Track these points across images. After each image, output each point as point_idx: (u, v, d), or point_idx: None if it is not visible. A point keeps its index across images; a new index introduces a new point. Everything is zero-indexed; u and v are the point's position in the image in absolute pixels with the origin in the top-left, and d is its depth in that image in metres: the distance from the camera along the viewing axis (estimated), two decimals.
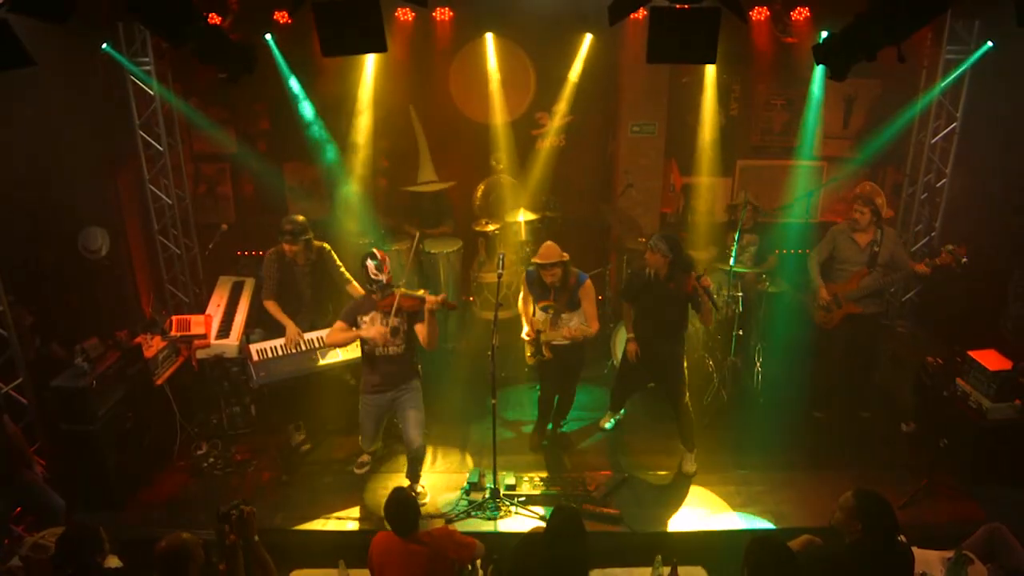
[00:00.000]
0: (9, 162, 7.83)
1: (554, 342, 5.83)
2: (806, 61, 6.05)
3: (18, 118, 7.43)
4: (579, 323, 5.74)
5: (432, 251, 7.64)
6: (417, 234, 6.45)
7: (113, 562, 4.37)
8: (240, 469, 6.27)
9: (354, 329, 5.50)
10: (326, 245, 6.45)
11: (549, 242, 5.72)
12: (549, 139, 8.64)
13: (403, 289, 5.41)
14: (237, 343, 6.10)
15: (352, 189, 8.12)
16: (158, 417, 6.29)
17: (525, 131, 8.66)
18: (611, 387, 6.85)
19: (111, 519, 5.72)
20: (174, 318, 6.44)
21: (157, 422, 6.29)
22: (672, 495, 5.92)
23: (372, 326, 5.47)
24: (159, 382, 6.23)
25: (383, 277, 5.42)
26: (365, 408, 5.70)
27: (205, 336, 6.16)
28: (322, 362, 6.04)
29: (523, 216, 7.45)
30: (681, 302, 5.88)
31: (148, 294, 8.64)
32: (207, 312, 6.60)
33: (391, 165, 8.68)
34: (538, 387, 6.53)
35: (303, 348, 6.07)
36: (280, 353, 5.99)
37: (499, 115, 8.35)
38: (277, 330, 6.23)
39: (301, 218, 6.23)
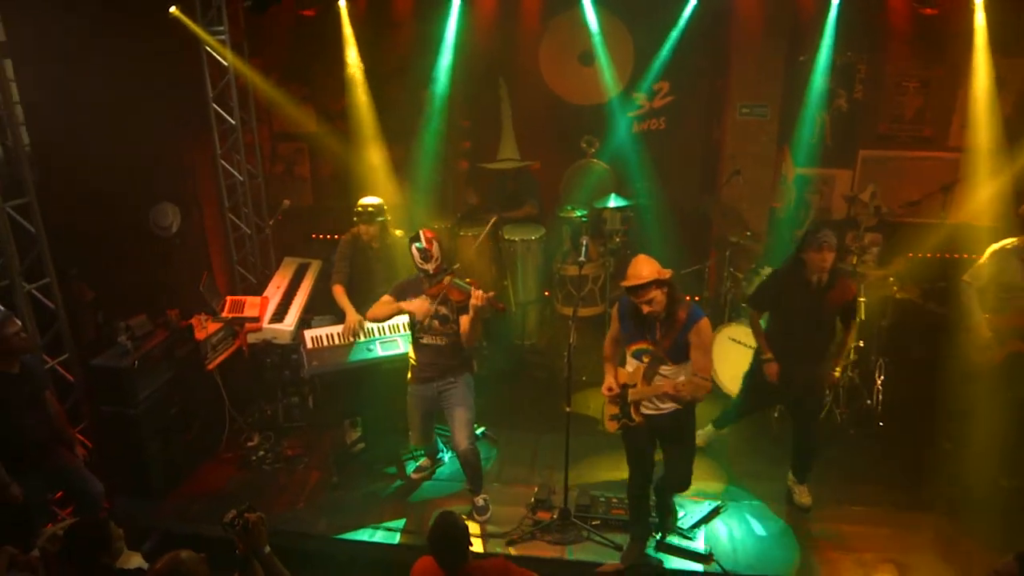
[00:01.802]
0: (80, 132, 7.74)
1: (648, 406, 4.33)
2: (948, 36, 4.97)
3: (90, 87, 7.29)
4: (687, 379, 4.11)
5: (511, 238, 6.97)
6: (494, 219, 5.79)
7: (135, 560, 3.92)
8: (290, 465, 5.78)
9: (397, 303, 4.98)
10: (399, 233, 5.89)
11: (641, 256, 4.15)
12: (647, 121, 7.85)
13: (451, 277, 4.79)
14: (291, 328, 5.59)
15: (431, 172, 7.60)
16: (208, 404, 5.86)
17: (620, 112, 7.87)
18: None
19: (150, 509, 5.38)
20: (228, 299, 6.01)
21: (206, 410, 5.86)
22: (772, 531, 5.04)
23: (419, 307, 4.92)
24: (210, 367, 5.80)
25: (429, 266, 4.82)
26: (411, 397, 5.14)
27: (257, 319, 5.69)
28: (381, 353, 5.45)
29: (614, 202, 6.67)
30: (834, 313, 4.88)
31: (223, 275, 8.38)
32: (265, 294, 6.14)
33: (473, 146, 8.06)
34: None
35: (361, 338, 5.50)
36: (336, 342, 5.44)
37: (592, 94, 7.65)
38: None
39: (378, 199, 5.72)
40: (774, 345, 5.00)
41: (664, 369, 4.19)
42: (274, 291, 6.21)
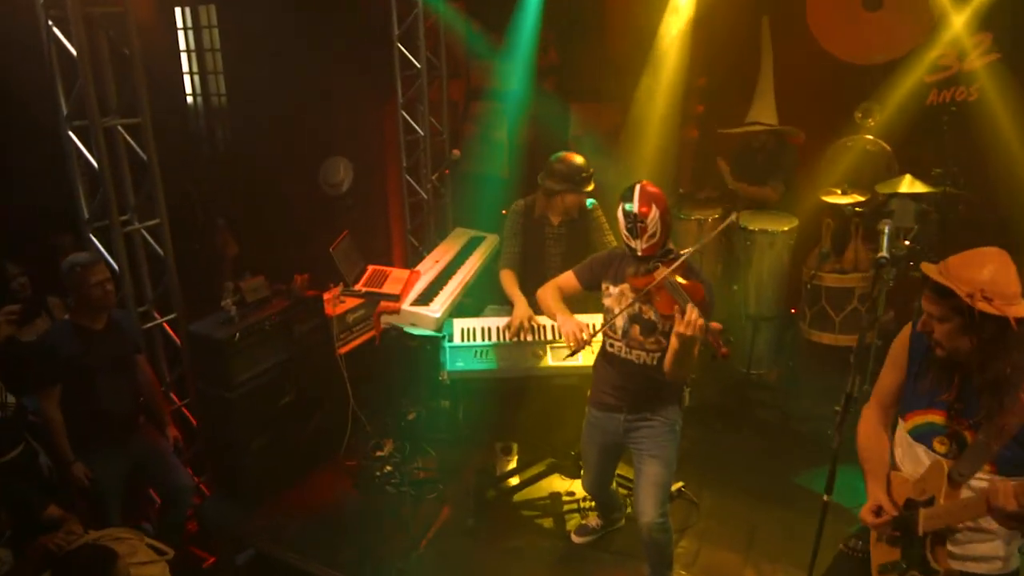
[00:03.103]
0: (262, 77, 7.05)
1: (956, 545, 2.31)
2: None
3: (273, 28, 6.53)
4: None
5: (749, 227, 5.11)
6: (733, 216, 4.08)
7: None
8: (419, 492, 4.40)
9: (583, 285, 3.48)
10: (594, 203, 4.35)
11: (990, 251, 2.21)
12: (950, 89, 5.69)
13: (668, 271, 2.99)
14: (437, 316, 4.15)
15: (656, 140, 5.98)
16: (333, 398, 4.62)
17: (914, 76, 5.78)
18: None
19: (242, 518, 4.22)
20: (370, 268, 4.73)
21: (331, 404, 4.63)
22: None
23: (615, 300, 3.28)
24: (342, 351, 4.57)
25: (637, 244, 3.11)
26: (588, 426, 3.51)
27: (397, 298, 4.33)
28: (551, 363, 3.89)
29: (910, 186, 4.63)
30: None
31: (399, 246, 7.32)
32: (418, 268, 4.79)
33: (707, 110, 6.29)
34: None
35: (529, 339, 3.99)
36: (491, 340, 3.97)
37: (874, 49, 5.72)
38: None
39: (581, 159, 4.17)
40: None
41: (981, 475, 2.21)
42: (430, 265, 4.85)
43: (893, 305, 4.88)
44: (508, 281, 4.26)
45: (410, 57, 6.19)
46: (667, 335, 3.10)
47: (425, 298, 4.36)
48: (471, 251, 5.21)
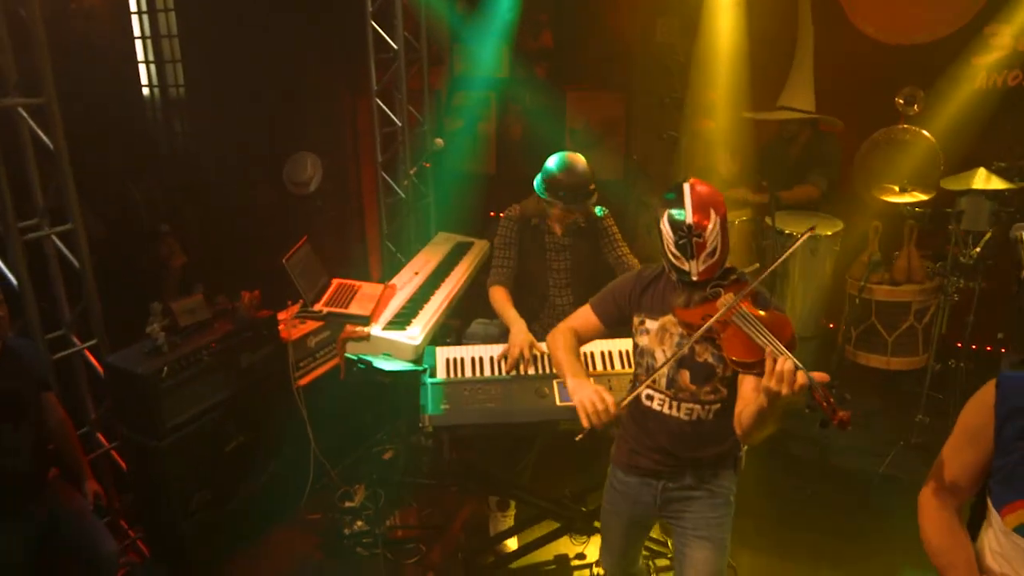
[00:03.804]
0: (224, 61, 6.27)
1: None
2: None
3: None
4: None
5: (787, 231, 4.34)
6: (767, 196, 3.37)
7: None
8: (396, 555, 3.62)
9: (603, 323, 2.65)
10: (604, 210, 3.62)
11: None
12: (1005, 72, 5.01)
13: (735, 297, 2.23)
14: (416, 343, 3.35)
15: (662, 132, 5.26)
16: (292, 440, 3.82)
17: (962, 56, 5.09)
18: None
19: None
20: (335, 282, 3.92)
21: (290, 447, 3.83)
22: None
23: (656, 338, 2.46)
24: (302, 383, 3.78)
25: (692, 267, 2.28)
26: (611, 493, 2.71)
27: (367, 320, 3.52)
28: (560, 403, 3.10)
29: (984, 183, 3.90)
30: None
31: (375, 251, 6.55)
32: (392, 281, 3.99)
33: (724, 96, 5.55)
34: None
35: (531, 371, 3.22)
36: (484, 374, 3.19)
37: (916, 28, 5.07)
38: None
39: (584, 165, 3.40)
40: None
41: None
42: (408, 277, 4.06)
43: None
44: (500, 300, 3.50)
45: (386, 38, 5.40)
46: (730, 381, 2.36)
47: (402, 320, 3.56)
48: (457, 260, 4.44)
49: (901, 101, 4.89)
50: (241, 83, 6.26)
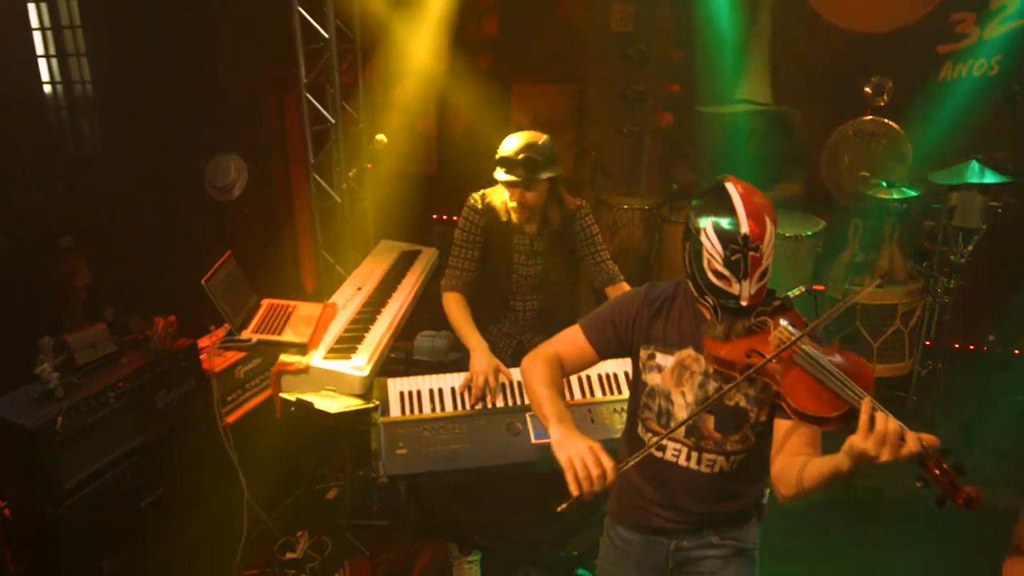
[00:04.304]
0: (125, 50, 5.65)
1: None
2: None
3: None
4: None
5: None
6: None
7: None
8: None
9: (600, 353, 2.17)
10: (583, 203, 3.18)
11: None
12: (968, 62, 4.84)
13: (791, 328, 1.84)
14: (364, 375, 2.86)
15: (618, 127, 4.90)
16: (221, 487, 3.30)
17: (926, 46, 4.90)
18: None
19: None
20: (266, 303, 3.41)
21: (218, 497, 3.31)
22: None
23: (671, 377, 2.03)
24: (230, 420, 3.26)
25: (744, 288, 1.83)
26: (611, 554, 2.27)
27: (304, 347, 3.03)
28: (535, 441, 2.68)
29: (978, 176, 3.64)
30: None
31: (310, 262, 6.02)
32: (332, 299, 3.51)
33: (684, 89, 5.22)
34: None
35: (499, 403, 2.79)
36: (447, 410, 2.75)
37: (878, 13, 4.84)
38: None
39: (542, 137, 2.98)
40: None
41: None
42: (350, 294, 3.57)
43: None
44: (457, 312, 3.05)
45: (315, 25, 4.89)
46: (763, 427, 1.96)
47: (346, 347, 3.08)
48: (404, 271, 3.98)
49: (869, 91, 4.68)
50: (154, 77, 5.64)
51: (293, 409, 2.61)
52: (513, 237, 3.11)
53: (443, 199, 6.28)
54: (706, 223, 1.85)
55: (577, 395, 2.87)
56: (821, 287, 4.22)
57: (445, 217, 6.31)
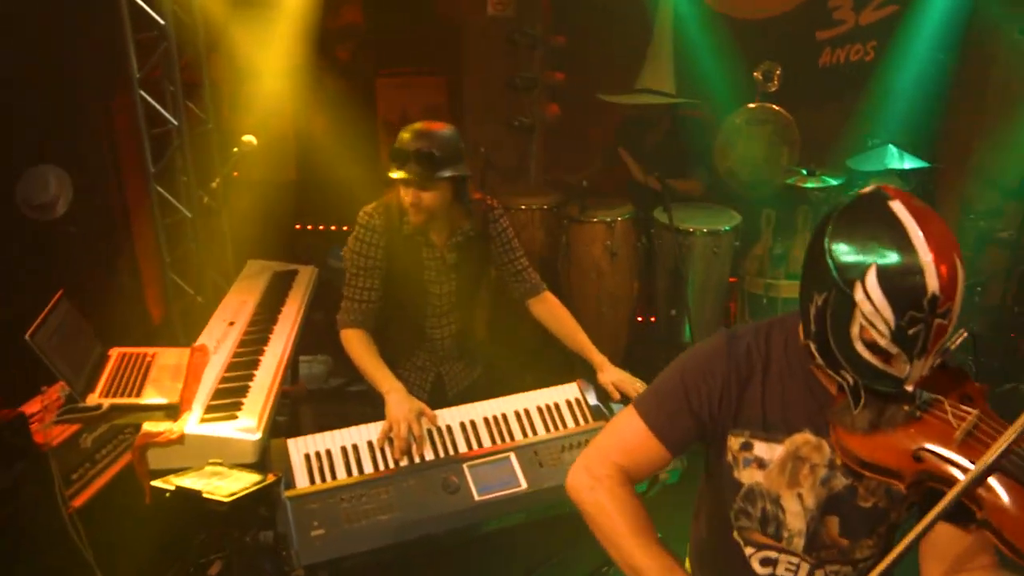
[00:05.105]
0: None
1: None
2: None
3: None
4: None
5: (684, 226, 3.73)
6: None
7: None
8: None
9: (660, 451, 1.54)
10: (493, 202, 2.76)
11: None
12: (845, 47, 4.86)
13: (977, 415, 1.29)
14: (258, 436, 2.28)
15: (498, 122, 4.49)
16: None
17: (806, 32, 4.87)
18: None
19: None
20: (116, 352, 2.73)
21: None
22: None
23: (781, 476, 1.49)
24: (76, 504, 2.57)
25: (916, 368, 1.26)
26: None
27: (176, 410, 2.37)
28: (476, 496, 2.22)
29: (898, 161, 3.52)
30: None
31: (154, 287, 5.21)
32: (200, 342, 2.87)
33: (570, 79, 4.90)
34: None
35: (427, 458, 2.31)
36: (366, 471, 2.24)
37: (766, 2, 4.79)
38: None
39: (445, 128, 2.50)
40: None
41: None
42: (221, 332, 2.94)
43: None
44: (361, 352, 2.54)
45: (147, 10, 4.15)
46: (895, 525, 1.51)
47: (227, 402, 2.46)
48: (281, 298, 3.39)
49: (759, 77, 4.57)
50: None
51: (169, 496, 2.00)
52: (422, 251, 2.64)
53: (307, 207, 5.68)
54: (866, 270, 1.23)
55: (518, 435, 2.44)
56: (734, 279, 4.03)
57: (311, 227, 5.70)
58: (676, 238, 3.53)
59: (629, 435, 1.53)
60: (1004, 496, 1.18)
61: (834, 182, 3.70)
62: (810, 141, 4.53)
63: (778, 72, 4.51)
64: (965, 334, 1.29)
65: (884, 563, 1.21)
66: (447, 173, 2.46)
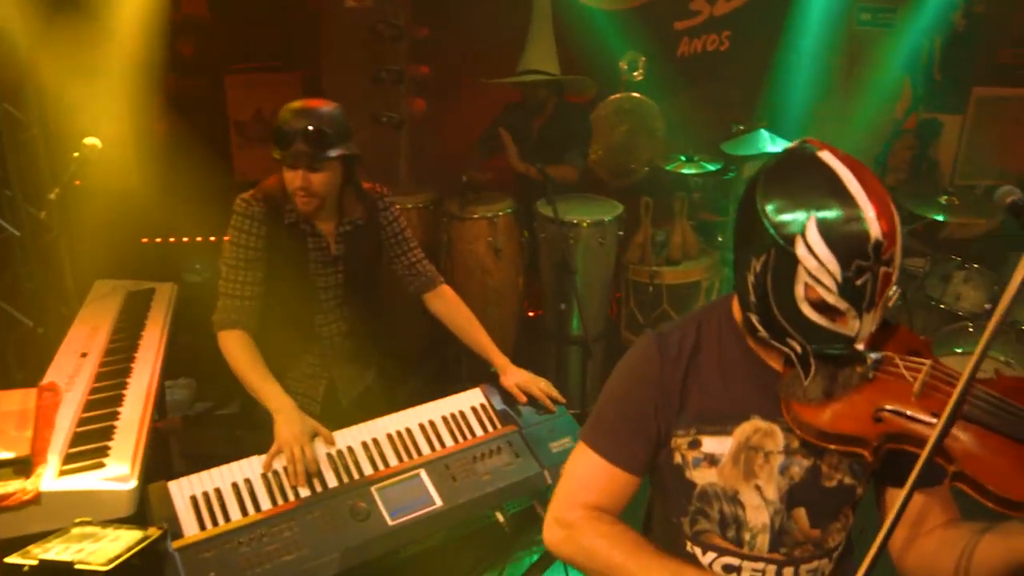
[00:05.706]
0: None
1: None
2: None
3: None
4: None
5: (569, 218, 3.68)
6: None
7: None
8: None
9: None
10: (383, 189, 2.60)
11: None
12: (702, 37, 5.01)
13: (918, 362, 1.28)
14: (131, 485, 1.98)
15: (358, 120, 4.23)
16: None
17: (666, 23, 4.97)
18: None
19: None
20: None
21: None
22: None
23: (736, 469, 1.41)
24: None
25: (865, 323, 1.23)
26: None
27: (28, 465, 2.02)
28: (392, 523, 2.05)
29: (771, 146, 3.62)
30: None
31: None
32: (47, 381, 2.49)
33: (436, 71, 4.75)
34: None
35: (331, 485, 2.12)
36: (263, 508, 2.02)
37: None
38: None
39: (330, 105, 2.32)
40: None
41: None
42: (73, 366, 2.58)
43: None
44: (243, 358, 2.31)
45: None
46: (855, 505, 1.46)
47: (90, 448, 2.14)
48: (140, 321, 3.05)
49: (624, 66, 4.60)
50: None
51: (31, 574, 1.68)
52: (307, 241, 2.43)
53: (152, 217, 5.20)
54: (805, 223, 1.19)
55: (425, 450, 2.28)
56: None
57: (160, 240, 5.24)
58: (561, 230, 3.47)
59: (588, 473, 1.45)
60: (974, 443, 1.17)
61: (712, 167, 3.78)
62: (675, 129, 4.62)
63: (642, 61, 4.56)
64: (898, 291, 1.27)
65: (875, 546, 1.14)
66: (339, 151, 2.29)
